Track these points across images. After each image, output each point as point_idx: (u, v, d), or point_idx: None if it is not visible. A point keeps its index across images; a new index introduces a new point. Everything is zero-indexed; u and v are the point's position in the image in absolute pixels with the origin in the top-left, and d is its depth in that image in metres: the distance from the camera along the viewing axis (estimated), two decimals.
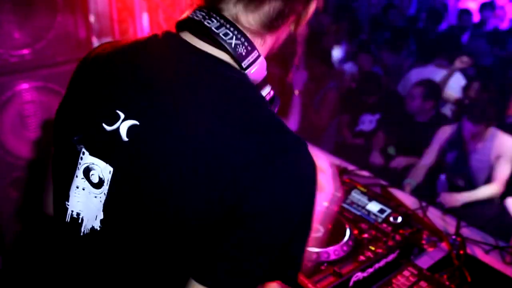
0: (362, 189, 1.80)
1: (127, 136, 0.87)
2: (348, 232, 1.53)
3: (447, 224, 1.91)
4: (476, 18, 6.68)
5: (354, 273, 1.40)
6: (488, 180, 3.54)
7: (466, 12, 6.56)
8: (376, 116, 4.65)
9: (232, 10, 0.89)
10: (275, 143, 0.82)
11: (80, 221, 0.96)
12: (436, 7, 7.14)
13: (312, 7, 0.99)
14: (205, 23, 0.88)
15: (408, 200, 2.10)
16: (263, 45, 0.94)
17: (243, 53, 0.89)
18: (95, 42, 2.43)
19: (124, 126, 0.88)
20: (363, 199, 1.75)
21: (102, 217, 0.92)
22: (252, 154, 0.79)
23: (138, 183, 0.86)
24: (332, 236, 1.52)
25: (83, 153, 0.93)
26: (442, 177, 3.72)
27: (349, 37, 5.93)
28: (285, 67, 5.04)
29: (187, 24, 0.93)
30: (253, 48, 0.90)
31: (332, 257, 1.44)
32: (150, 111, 0.86)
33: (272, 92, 0.97)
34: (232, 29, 0.88)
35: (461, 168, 3.67)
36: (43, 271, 1.12)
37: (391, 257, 1.50)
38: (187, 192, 0.81)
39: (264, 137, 0.81)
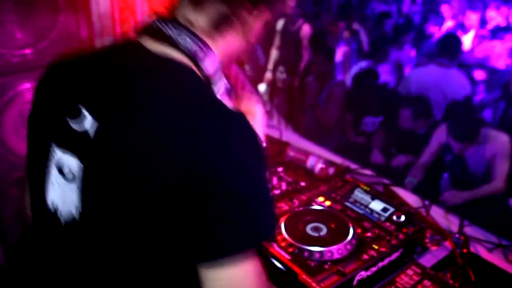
0: (365, 187, 1.80)
1: (92, 132, 0.95)
2: (351, 230, 1.53)
3: (450, 222, 1.90)
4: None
5: (357, 272, 1.40)
6: (487, 178, 3.55)
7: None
8: (378, 119, 4.66)
9: (185, 14, 1.02)
10: (221, 120, 0.91)
11: (59, 214, 1.03)
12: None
13: (264, 18, 1.09)
14: (164, 30, 1.00)
15: (411, 198, 2.10)
16: (213, 45, 1.03)
17: (201, 56, 1.00)
18: (97, 42, 2.43)
19: (88, 123, 0.96)
20: (366, 198, 1.74)
21: (80, 208, 0.99)
22: (200, 131, 0.87)
23: (105, 175, 0.94)
24: (335, 235, 1.52)
25: (53, 149, 1.03)
26: (445, 175, 3.72)
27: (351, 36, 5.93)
28: (292, 73, 5.07)
29: (148, 31, 1.03)
30: (209, 49, 1.02)
31: (336, 256, 1.44)
32: (112, 107, 0.95)
33: (226, 85, 1.08)
34: (188, 33, 1.00)
35: (460, 167, 3.67)
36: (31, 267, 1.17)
37: (394, 255, 1.50)
38: (150, 176, 0.87)
39: (212, 117, 0.90)
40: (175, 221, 0.89)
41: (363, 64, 5.13)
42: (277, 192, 1.98)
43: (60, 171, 1.01)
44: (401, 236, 1.55)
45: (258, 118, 1.21)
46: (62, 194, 1.01)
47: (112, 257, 0.99)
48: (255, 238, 0.92)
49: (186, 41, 1.00)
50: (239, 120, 0.94)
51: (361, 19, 6.56)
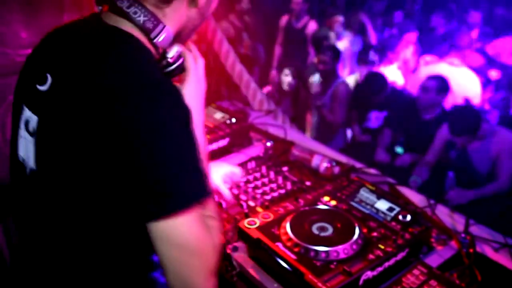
0: (371, 187, 1.79)
1: (49, 92, 1.10)
2: (357, 230, 1.53)
3: (456, 222, 1.90)
4: None
5: (363, 271, 1.39)
6: (493, 176, 3.53)
7: None
8: (383, 113, 4.65)
9: None
10: (148, 85, 1.01)
11: (25, 164, 1.18)
12: None
13: None
14: (118, 4, 1.11)
15: (416, 198, 2.09)
16: (164, 18, 1.13)
17: (150, 27, 1.11)
18: None
19: (48, 84, 1.11)
20: (371, 197, 1.74)
21: (35, 159, 1.14)
22: (129, 95, 0.98)
23: (54, 127, 1.08)
24: (341, 235, 1.52)
25: (23, 109, 1.18)
26: (450, 174, 3.71)
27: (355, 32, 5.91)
28: (297, 72, 5.06)
29: (107, 6, 1.15)
30: (158, 21, 1.11)
31: (342, 255, 1.44)
32: (63, 69, 1.09)
33: (177, 55, 1.16)
34: (139, 7, 1.10)
35: (464, 164, 3.66)
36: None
37: (400, 255, 1.49)
38: (88, 129, 1.00)
39: (139, 82, 1.00)
40: (112, 177, 1.00)
41: (369, 65, 5.12)
42: (282, 191, 1.98)
43: (27, 127, 1.17)
44: (407, 235, 1.54)
45: (193, 75, 1.25)
46: (27, 148, 1.17)
47: (63, 205, 1.11)
48: (183, 197, 1.00)
49: (136, 13, 1.10)
50: (166, 87, 1.04)
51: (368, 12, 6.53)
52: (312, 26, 6.00)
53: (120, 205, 1.05)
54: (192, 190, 1.03)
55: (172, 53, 1.16)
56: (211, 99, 3.57)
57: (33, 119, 1.14)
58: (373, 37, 6.04)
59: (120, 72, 1.02)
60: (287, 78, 5.08)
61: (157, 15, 1.12)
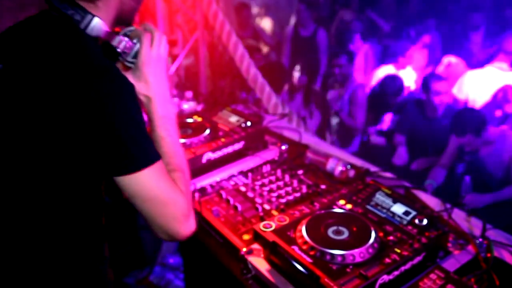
0: (387, 191, 1.78)
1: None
2: (373, 234, 1.52)
3: (472, 226, 1.88)
4: None
5: (380, 275, 1.39)
6: (508, 180, 3.50)
7: None
8: (397, 116, 4.63)
9: None
10: (93, 69, 1.15)
11: None
12: None
13: None
14: (52, 1, 1.27)
15: (432, 201, 2.08)
16: (96, 10, 1.28)
17: (78, 19, 1.25)
18: None
19: None
20: (387, 201, 1.73)
21: None
22: (75, 77, 1.13)
23: (8, 113, 1.21)
24: (357, 238, 1.51)
25: None
26: (467, 178, 3.68)
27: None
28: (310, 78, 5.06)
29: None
30: (86, 13, 1.25)
31: (358, 259, 1.43)
32: (9, 53, 1.25)
33: (124, 42, 1.34)
34: (68, 3, 1.25)
35: (478, 170, 3.63)
36: None
37: (417, 260, 1.49)
38: (41, 116, 1.15)
39: (85, 67, 1.15)
40: (74, 148, 1.16)
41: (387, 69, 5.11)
42: (297, 194, 1.98)
43: None
44: (423, 240, 1.53)
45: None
46: None
47: (20, 185, 1.23)
48: (145, 155, 1.19)
49: (64, 8, 1.25)
50: (111, 73, 1.18)
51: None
52: (322, 33, 5.95)
53: (78, 180, 1.23)
54: (151, 150, 1.22)
55: (115, 41, 1.34)
56: (226, 102, 3.59)
57: None
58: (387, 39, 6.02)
59: (63, 57, 1.17)
60: (300, 80, 5.09)
61: (88, 9, 1.27)
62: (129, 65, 1.39)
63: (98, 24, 1.28)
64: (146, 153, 1.21)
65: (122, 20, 1.39)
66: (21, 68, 1.21)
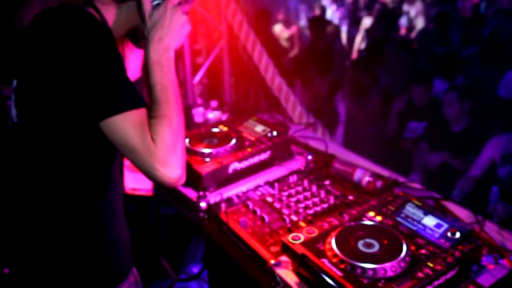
0: (417, 202, 1.75)
1: (22, 61, 1.42)
2: (404, 247, 1.49)
3: (505, 239, 1.83)
4: None
5: None
6: None
7: None
8: (423, 124, 4.58)
9: None
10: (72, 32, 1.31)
11: (12, 119, 1.50)
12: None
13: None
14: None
15: (462, 213, 2.04)
16: (119, 10, 1.46)
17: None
18: None
19: (24, 57, 1.41)
20: (418, 213, 1.70)
21: (16, 112, 1.47)
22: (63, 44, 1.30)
23: (25, 85, 1.41)
24: (388, 252, 1.48)
25: (13, 80, 1.48)
26: (495, 189, 3.60)
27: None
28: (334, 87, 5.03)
29: None
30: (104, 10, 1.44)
31: (389, 273, 1.40)
32: (32, 45, 1.38)
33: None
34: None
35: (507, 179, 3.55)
36: None
37: (450, 274, 1.45)
38: (44, 81, 1.33)
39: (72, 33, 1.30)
40: (67, 100, 1.32)
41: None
42: (325, 205, 1.96)
43: (14, 92, 1.47)
44: (457, 253, 1.49)
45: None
46: (13, 106, 1.48)
47: (36, 141, 1.42)
48: (115, 104, 1.29)
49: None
50: (87, 29, 1.31)
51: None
52: (338, 42, 5.93)
53: (74, 120, 1.36)
54: (121, 99, 1.30)
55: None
56: (250, 111, 3.58)
57: (15, 83, 1.46)
58: None
59: (66, 31, 1.31)
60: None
61: (105, 9, 1.45)
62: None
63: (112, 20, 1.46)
64: (115, 101, 1.29)
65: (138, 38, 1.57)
66: (35, 50, 1.37)
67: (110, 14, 1.45)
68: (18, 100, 1.45)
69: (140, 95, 1.35)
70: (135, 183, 2.31)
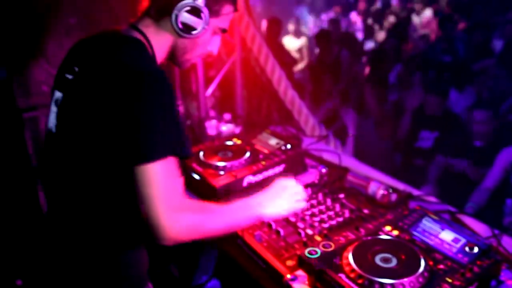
0: (434, 216, 1.74)
1: (72, 77, 1.49)
2: (422, 262, 1.48)
3: None
4: None
5: None
6: None
7: None
8: (434, 134, 4.58)
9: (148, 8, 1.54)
10: (137, 71, 1.35)
11: (50, 129, 1.56)
12: None
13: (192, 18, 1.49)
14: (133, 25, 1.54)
15: (478, 227, 2.02)
16: (159, 29, 1.52)
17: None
18: None
19: (74, 74, 1.49)
20: (435, 227, 1.69)
21: (55, 123, 1.52)
22: (121, 76, 1.34)
23: (72, 102, 1.47)
24: (406, 267, 1.47)
25: (55, 91, 1.56)
26: (509, 202, 3.57)
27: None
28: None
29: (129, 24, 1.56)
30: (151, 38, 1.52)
31: None
32: (86, 65, 1.47)
33: None
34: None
35: None
36: None
37: None
38: (94, 106, 1.38)
39: (132, 68, 1.36)
40: (110, 133, 1.34)
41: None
42: (340, 219, 1.95)
43: (56, 104, 1.53)
44: (475, 269, 1.48)
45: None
46: (53, 117, 1.54)
47: (75, 159, 1.45)
48: (161, 150, 1.31)
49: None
50: (157, 75, 1.36)
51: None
52: (345, 54, 5.95)
53: (112, 156, 1.37)
54: (163, 147, 1.32)
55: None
56: (263, 123, 3.59)
57: (60, 96, 1.52)
58: None
59: (123, 63, 1.37)
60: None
61: (147, 33, 1.54)
62: None
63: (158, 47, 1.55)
64: (150, 149, 1.31)
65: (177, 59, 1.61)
66: (88, 71, 1.45)
67: (152, 35, 1.51)
68: (61, 115, 1.50)
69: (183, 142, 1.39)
70: None
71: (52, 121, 1.55)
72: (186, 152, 1.39)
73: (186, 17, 1.47)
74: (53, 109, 1.55)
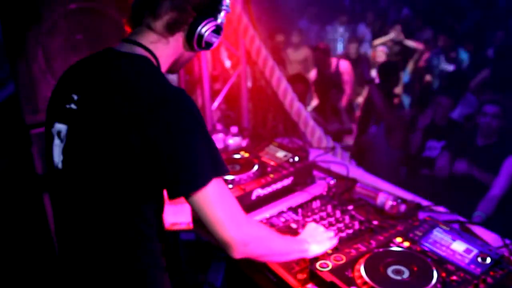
0: (445, 227, 1.73)
1: (76, 107, 1.37)
2: (435, 274, 1.48)
3: None
4: None
5: None
6: None
7: None
8: (441, 143, 4.57)
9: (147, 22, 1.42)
10: (160, 96, 1.27)
11: (55, 165, 1.43)
12: None
13: (207, 26, 1.41)
14: (131, 37, 1.44)
15: (488, 236, 2.01)
16: (167, 44, 1.43)
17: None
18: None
19: (75, 102, 1.37)
20: (446, 238, 1.68)
21: (62, 158, 1.40)
22: (144, 104, 1.25)
23: (81, 130, 1.35)
24: (419, 279, 1.47)
25: (54, 124, 1.43)
26: None
27: None
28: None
29: (124, 39, 1.46)
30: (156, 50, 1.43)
31: None
32: (87, 87, 1.36)
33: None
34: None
35: None
36: None
37: None
38: (114, 137, 1.27)
39: (153, 93, 1.27)
40: (139, 169, 1.28)
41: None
42: (350, 231, 1.94)
43: (59, 136, 1.41)
44: (489, 279, 1.47)
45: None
46: (58, 152, 1.42)
47: (86, 198, 1.37)
48: (209, 172, 1.29)
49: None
50: (182, 97, 1.30)
51: None
52: (344, 64, 5.94)
53: (140, 193, 1.33)
54: (209, 170, 1.29)
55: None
56: (269, 136, 3.60)
57: (64, 129, 1.40)
58: None
59: (142, 88, 1.29)
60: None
61: (159, 41, 1.45)
62: None
63: (164, 58, 1.47)
64: (190, 180, 1.28)
65: (176, 67, 1.55)
66: (96, 99, 1.33)
67: (159, 50, 1.43)
68: (71, 149, 1.39)
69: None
70: (175, 216, 2.29)
71: (57, 156, 1.43)
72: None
73: (210, 35, 1.43)
74: (56, 142, 1.43)
